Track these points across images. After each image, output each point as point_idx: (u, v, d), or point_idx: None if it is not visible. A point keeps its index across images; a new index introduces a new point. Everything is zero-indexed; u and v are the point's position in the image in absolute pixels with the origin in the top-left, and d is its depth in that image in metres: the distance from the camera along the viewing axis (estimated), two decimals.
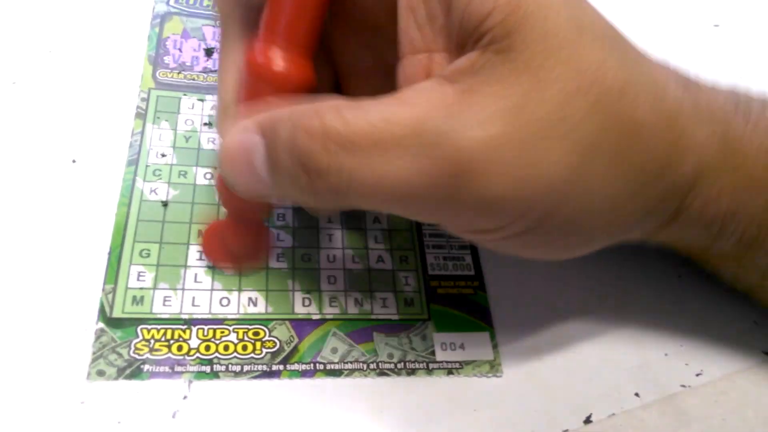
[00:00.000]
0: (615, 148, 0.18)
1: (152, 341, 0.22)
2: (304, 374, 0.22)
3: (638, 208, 0.20)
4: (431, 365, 0.23)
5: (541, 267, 0.26)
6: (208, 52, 0.30)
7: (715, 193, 0.21)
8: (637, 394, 0.24)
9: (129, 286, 0.23)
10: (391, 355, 0.23)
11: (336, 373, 0.22)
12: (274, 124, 0.18)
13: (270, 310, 0.24)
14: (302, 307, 0.24)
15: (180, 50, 0.30)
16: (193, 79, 0.29)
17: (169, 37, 0.31)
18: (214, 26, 0.32)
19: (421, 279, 0.25)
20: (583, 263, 0.27)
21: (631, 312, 0.26)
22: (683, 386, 0.24)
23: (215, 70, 0.30)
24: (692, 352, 0.25)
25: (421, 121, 0.17)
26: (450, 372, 0.23)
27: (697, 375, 0.25)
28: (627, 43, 0.20)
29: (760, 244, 0.22)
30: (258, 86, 0.20)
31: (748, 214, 0.22)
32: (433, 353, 0.24)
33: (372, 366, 0.23)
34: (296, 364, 0.22)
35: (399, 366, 0.23)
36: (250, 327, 0.23)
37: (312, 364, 0.23)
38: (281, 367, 0.22)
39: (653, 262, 0.27)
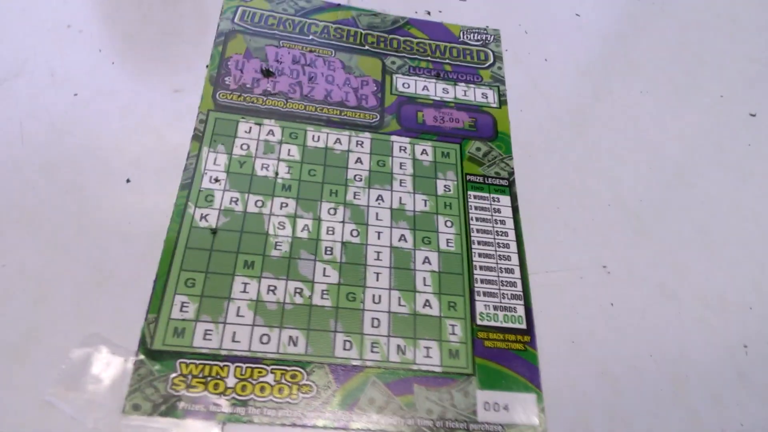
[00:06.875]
0: None
1: (190, 377, 0.22)
2: (338, 429, 0.22)
3: None
4: (471, 426, 0.22)
5: (596, 326, 0.25)
6: (266, 73, 0.30)
7: None
8: None
9: (172, 316, 0.23)
10: (430, 411, 0.22)
11: None
12: None
13: (310, 350, 0.23)
14: (343, 350, 0.23)
15: (241, 71, 0.30)
16: (253, 102, 0.29)
17: (231, 57, 0.30)
18: (276, 46, 0.31)
19: (468, 329, 0.24)
20: (643, 326, 0.25)
21: (690, 383, 0.24)
22: None
23: (275, 93, 0.29)
24: None
25: None
26: None
27: None
28: None
29: None
30: None
31: None
32: (474, 413, 0.22)
33: (410, 422, 0.22)
34: (331, 415, 0.22)
35: (438, 424, 0.22)
36: (288, 369, 0.22)
37: (348, 415, 0.22)
38: (316, 416, 0.22)
39: (719, 329, 0.25)
